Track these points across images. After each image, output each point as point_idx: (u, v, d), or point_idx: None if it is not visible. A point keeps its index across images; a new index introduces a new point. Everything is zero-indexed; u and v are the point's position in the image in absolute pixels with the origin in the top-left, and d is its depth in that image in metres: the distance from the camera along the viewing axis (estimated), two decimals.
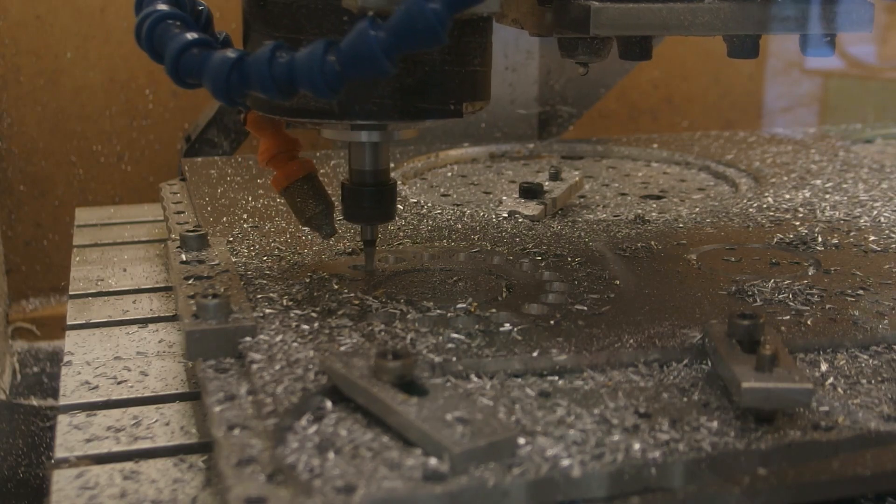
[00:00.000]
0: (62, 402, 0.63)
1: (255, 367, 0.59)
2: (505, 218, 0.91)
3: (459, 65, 0.65)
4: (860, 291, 0.73)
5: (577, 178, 1.02)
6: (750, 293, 0.72)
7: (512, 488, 0.48)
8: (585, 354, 0.61)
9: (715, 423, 0.54)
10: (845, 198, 0.99)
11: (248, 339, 0.63)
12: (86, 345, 0.72)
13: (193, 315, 0.64)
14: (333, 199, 0.76)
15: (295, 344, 0.62)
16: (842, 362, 0.62)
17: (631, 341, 0.63)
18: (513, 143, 1.23)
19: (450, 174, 1.14)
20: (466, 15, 0.62)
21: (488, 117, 1.28)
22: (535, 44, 1.27)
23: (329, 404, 0.56)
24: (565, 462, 0.50)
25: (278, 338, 0.63)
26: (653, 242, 0.84)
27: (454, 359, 0.60)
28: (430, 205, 0.96)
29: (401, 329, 0.65)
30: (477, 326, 0.65)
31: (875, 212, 0.94)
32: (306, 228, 0.78)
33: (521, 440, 0.51)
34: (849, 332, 0.65)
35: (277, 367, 0.59)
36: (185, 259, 0.76)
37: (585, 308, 0.69)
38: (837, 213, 0.94)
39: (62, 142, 1.44)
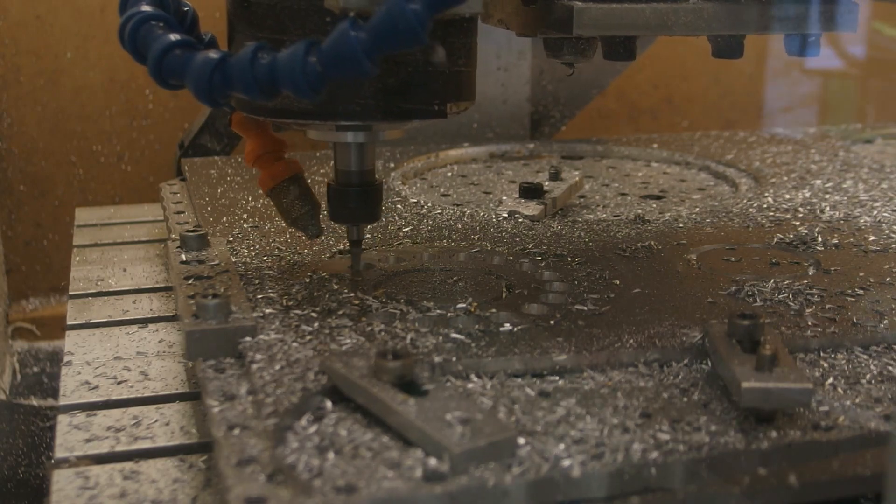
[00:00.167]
0: (62, 402, 0.63)
1: (255, 367, 0.59)
2: (505, 218, 0.91)
3: (443, 65, 0.65)
4: (860, 291, 0.73)
5: (577, 178, 1.02)
6: (750, 293, 0.72)
7: (512, 488, 0.48)
8: (585, 354, 0.61)
9: (715, 424, 0.54)
10: (845, 198, 0.99)
11: (248, 339, 0.63)
12: (86, 345, 0.72)
13: (193, 315, 0.64)
14: (320, 200, 0.76)
15: (295, 344, 0.62)
16: (842, 362, 0.62)
17: (631, 341, 0.63)
18: (513, 143, 1.23)
19: (450, 174, 1.14)
20: (449, 15, 0.62)
21: (480, 117, 1.28)
22: (527, 44, 1.27)
23: (329, 404, 0.56)
24: (565, 462, 0.50)
25: (278, 338, 0.63)
26: (653, 242, 0.84)
27: (454, 359, 0.60)
28: (430, 205, 0.96)
29: (401, 329, 0.65)
30: (477, 326, 0.65)
31: (875, 212, 0.94)
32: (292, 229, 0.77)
33: (521, 440, 0.51)
34: (849, 332, 0.65)
35: (277, 367, 0.59)
36: (185, 259, 0.76)
37: (585, 308, 0.69)
38: (837, 213, 0.94)
39: (62, 142, 1.44)
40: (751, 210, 0.95)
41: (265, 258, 0.79)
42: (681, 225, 0.90)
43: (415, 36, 0.53)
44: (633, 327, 0.65)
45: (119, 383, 0.66)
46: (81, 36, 1.41)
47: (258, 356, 0.60)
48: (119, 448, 0.58)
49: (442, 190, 1.06)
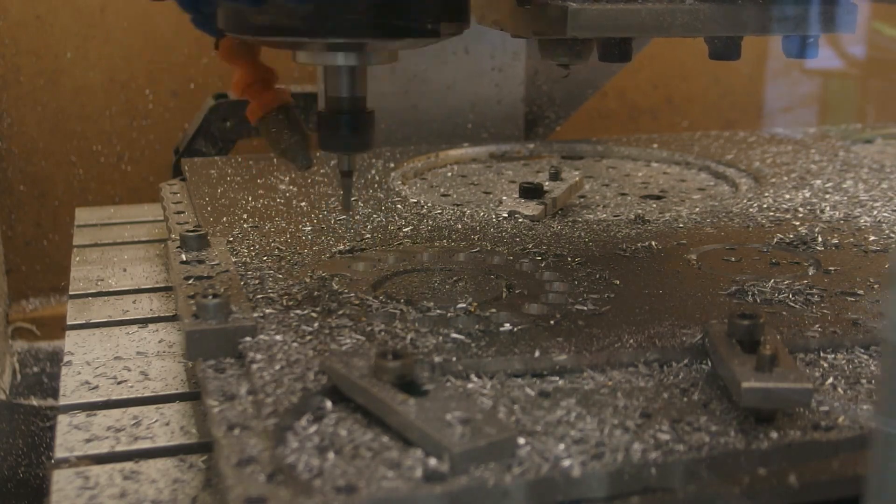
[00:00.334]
0: (62, 402, 0.63)
1: (255, 367, 0.59)
2: (505, 218, 0.91)
3: None
4: (860, 291, 0.73)
5: (577, 178, 1.02)
6: (750, 293, 0.72)
7: (512, 488, 0.48)
8: (585, 354, 0.61)
9: (715, 424, 0.54)
10: (845, 198, 0.99)
11: (248, 339, 0.63)
12: (86, 345, 0.72)
13: (193, 315, 0.64)
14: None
15: (295, 344, 0.62)
16: (842, 362, 0.62)
17: (631, 341, 0.63)
18: (513, 144, 1.23)
19: (450, 174, 1.14)
20: None
21: (475, 118, 1.28)
22: (521, 45, 1.27)
23: (329, 404, 0.56)
24: (565, 462, 0.50)
25: (278, 338, 0.63)
26: (653, 242, 0.84)
27: (454, 359, 0.60)
28: (430, 205, 0.96)
29: (401, 329, 0.65)
30: (477, 326, 0.65)
31: (875, 212, 0.94)
32: (282, 160, 0.75)
33: (521, 440, 0.51)
34: (849, 332, 0.65)
35: (277, 367, 0.59)
36: (185, 259, 0.76)
37: (585, 308, 0.69)
38: (837, 213, 0.94)
39: (62, 142, 1.44)
40: (751, 210, 0.95)
41: (265, 258, 0.79)
42: (681, 225, 0.90)
43: None
44: (633, 327, 0.65)
45: (119, 383, 0.66)
46: (81, 36, 1.41)
47: (258, 356, 0.60)
48: (119, 448, 0.58)
49: (442, 190, 1.06)
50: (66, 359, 0.70)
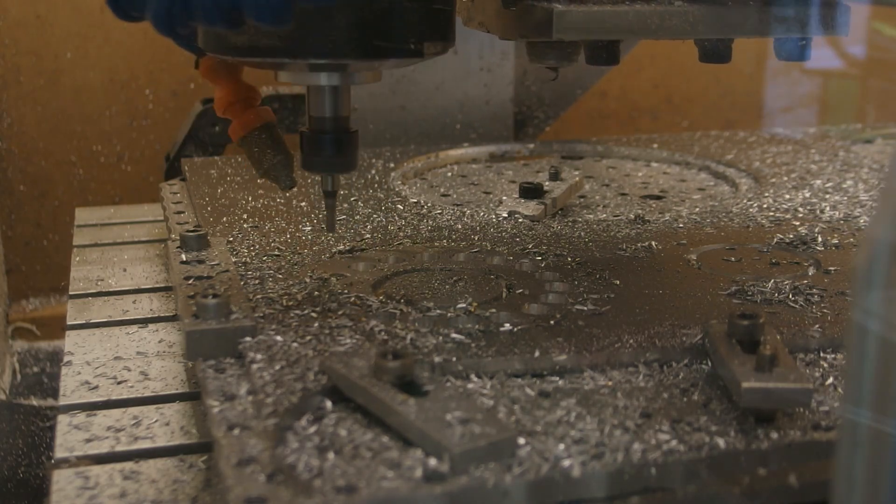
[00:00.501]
0: (62, 402, 0.63)
1: (255, 367, 0.59)
2: (505, 218, 0.91)
3: (420, 1, 0.63)
4: None
5: (577, 178, 1.02)
6: (750, 293, 0.72)
7: (512, 488, 0.48)
8: (585, 354, 0.61)
9: (715, 424, 0.54)
10: (845, 198, 0.99)
11: (248, 339, 0.63)
12: (86, 345, 0.72)
13: (193, 315, 0.64)
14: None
15: (295, 344, 0.62)
16: (842, 362, 0.62)
17: (631, 341, 0.63)
18: (513, 144, 1.23)
19: (450, 174, 1.14)
20: None
21: (463, 118, 1.28)
22: (510, 45, 1.26)
23: (329, 404, 0.56)
24: (565, 462, 0.50)
25: (278, 338, 0.63)
26: (653, 242, 0.84)
27: (454, 359, 0.60)
28: (430, 205, 0.96)
29: (401, 329, 0.65)
30: (477, 326, 0.65)
31: (875, 212, 0.94)
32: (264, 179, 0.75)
33: (521, 440, 0.51)
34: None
35: (277, 367, 0.59)
36: (185, 259, 0.76)
37: (585, 308, 0.69)
38: (837, 213, 0.94)
39: (62, 142, 1.44)
40: (751, 210, 0.95)
41: (265, 258, 0.79)
42: (681, 225, 0.90)
43: None
44: (633, 327, 0.65)
45: (119, 383, 0.66)
46: (81, 36, 1.41)
47: (258, 356, 0.60)
48: (119, 448, 0.58)
49: (442, 190, 1.06)
50: (66, 359, 0.70)
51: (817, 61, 1.61)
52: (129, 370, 0.68)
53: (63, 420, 0.61)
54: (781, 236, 0.86)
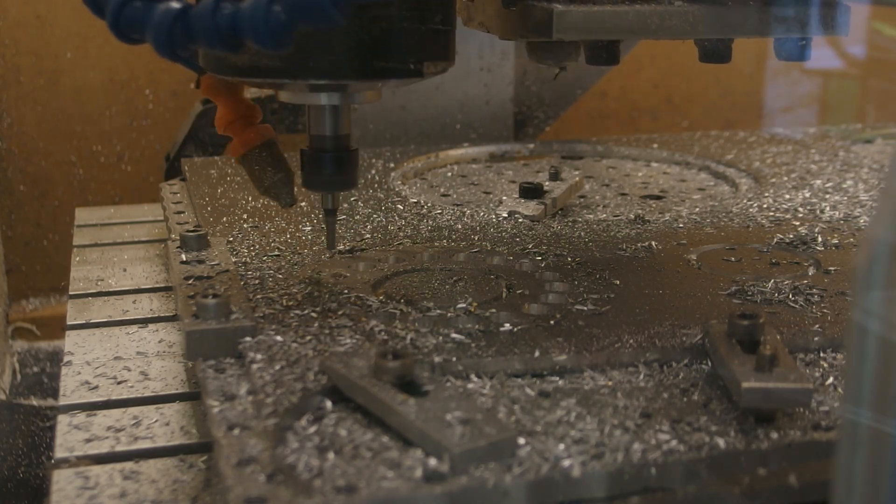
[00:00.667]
0: (62, 402, 0.63)
1: (255, 367, 0.59)
2: (505, 218, 0.91)
3: (420, 22, 0.63)
4: None
5: (577, 178, 1.02)
6: (750, 293, 0.72)
7: (512, 488, 0.48)
8: (585, 354, 0.61)
9: (715, 424, 0.54)
10: (845, 198, 0.99)
11: (248, 339, 0.63)
12: (86, 345, 0.72)
13: (193, 315, 0.64)
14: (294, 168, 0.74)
15: (295, 344, 0.62)
16: (842, 362, 0.62)
17: (631, 341, 0.63)
18: (513, 144, 1.23)
19: (450, 174, 1.14)
20: None
21: (463, 118, 1.28)
22: (510, 45, 1.26)
23: (329, 404, 0.56)
24: (565, 462, 0.50)
25: (278, 338, 0.63)
26: (653, 242, 0.84)
27: (454, 359, 0.60)
28: (430, 205, 0.96)
29: (401, 329, 0.65)
30: (477, 326, 0.65)
31: (875, 212, 0.93)
32: (265, 197, 0.75)
33: (521, 440, 0.51)
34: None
35: (277, 367, 0.59)
36: (185, 259, 0.76)
37: (585, 308, 0.69)
38: (837, 213, 0.94)
39: (62, 142, 1.44)
40: (751, 210, 0.95)
41: (265, 258, 0.79)
42: (681, 225, 0.90)
43: None
44: (633, 327, 0.65)
45: (119, 383, 0.66)
46: (81, 36, 1.41)
47: (258, 356, 0.60)
48: (119, 448, 0.58)
49: (442, 190, 1.06)
50: (66, 359, 0.70)
51: (817, 61, 1.61)
52: (129, 370, 0.68)
53: (63, 420, 0.61)
54: (781, 236, 0.86)
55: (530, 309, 0.69)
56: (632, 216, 0.92)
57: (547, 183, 0.98)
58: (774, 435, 0.53)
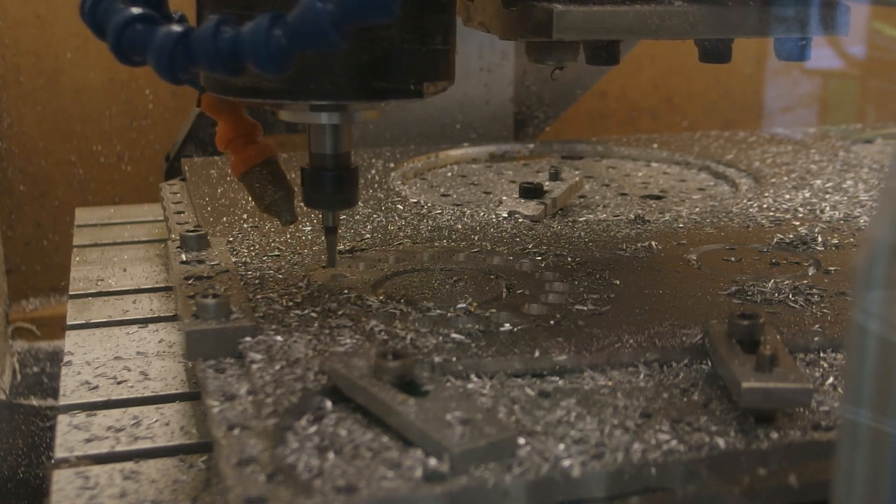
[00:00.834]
0: (62, 402, 0.63)
1: (255, 367, 0.59)
2: (505, 218, 0.91)
3: (420, 43, 0.63)
4: None
5: (577, 178, 1.02)
6: (750, 293, 0.72)
7: (512, 488, 0.48)
8: (585, 354, 0.61)
9: (715, 424, 0.54)
10: (845, 198, 0.99)
11: (248, 339, 0.63)
12: (86, 345, 0.72)
13: (193, 315, 0.64)
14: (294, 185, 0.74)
15: (295, 344, 0.62)
16: (842, 362, 0.62)
17: (631, 341, 0.63)
18: (513, 144, 1.23)
19: (450, 174, 1.14)
20: None
21: (463, 118, 1.28)
22: (510, 45, 1.26)
23: (329, 404, 0.56)
24: (565, 462, 0.50)
25: (278, 338, 0.63)
26: (653, 242, 0.84)
27: (454, 359, 0.60)
28: (430, 205, 0.96)
29: (401, 329, 0.65)
30: (477, 326, 0.65)
31: (875, 212, 0.94)
32: (265, 214, 0.76)
33: (521, 440, 0.51)
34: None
35: (277, 367, 0.59)
36: (185, 259, 0.76)
37: (585, 308, 0.69)
38: (837, 213, 0.94)
39: (62, 142, 1.44)
40: (751, 210, 0.95)
41: (265, 258, 0.79)
42: (681, 225, 0.90)
43: (385, 7, 0.50)
44: (633, 327, 0.65)
45: (119, 383, 0.66)
46: (81, 36, 1.41)
47: (258, 356, 0.60)
48: (119, 448, 0.58)
49: (442, 190, 1.06)
50: (66, 359, 0.70)
51: (817, 61, 1.61)
52: (129, 370, 0.68)
53: (63, 420, 0.61)
54: (781, 236, 0.86)
55: (530, 309, 0.69)
56: (632, 216, 0.92)
57: (547, 183, 0.98)
58: (774, 435, 0.53)
